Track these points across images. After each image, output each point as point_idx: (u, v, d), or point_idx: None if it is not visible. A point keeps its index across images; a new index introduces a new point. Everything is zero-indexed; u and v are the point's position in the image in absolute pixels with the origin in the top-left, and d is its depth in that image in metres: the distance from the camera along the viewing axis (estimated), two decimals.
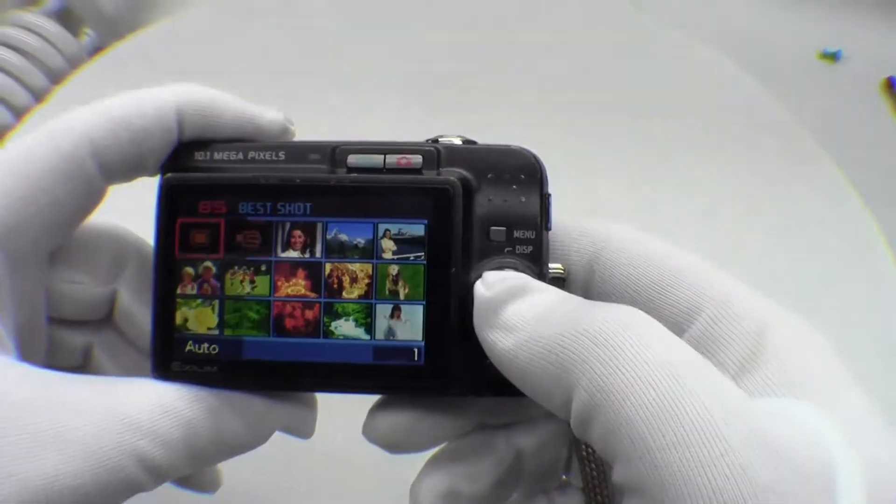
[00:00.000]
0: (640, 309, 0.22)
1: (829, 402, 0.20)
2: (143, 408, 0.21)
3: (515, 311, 0.21)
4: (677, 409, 0.18)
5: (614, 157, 0.49)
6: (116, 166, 0.23)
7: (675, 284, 0.22)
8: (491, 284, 0.22)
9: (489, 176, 0.23)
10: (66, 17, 0.54)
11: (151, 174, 0.24)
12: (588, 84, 0.52)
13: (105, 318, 0.26)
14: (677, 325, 0.22)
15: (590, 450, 0.25)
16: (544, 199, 0.23)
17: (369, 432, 0.24)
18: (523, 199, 0.23)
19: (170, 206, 0.23)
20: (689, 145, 0.50)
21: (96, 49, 0.55)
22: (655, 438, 0.18)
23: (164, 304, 0.23)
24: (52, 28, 0.52)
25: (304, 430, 0.25)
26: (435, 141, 0.24)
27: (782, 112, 0.51)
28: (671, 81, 0.52)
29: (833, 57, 0.53)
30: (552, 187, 0.24)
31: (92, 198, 0.24)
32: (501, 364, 0.21)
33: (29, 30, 0.52)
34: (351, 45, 0.53)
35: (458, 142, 0.24)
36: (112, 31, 0.55)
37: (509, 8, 0.55)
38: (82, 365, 0.27)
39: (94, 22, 0.55)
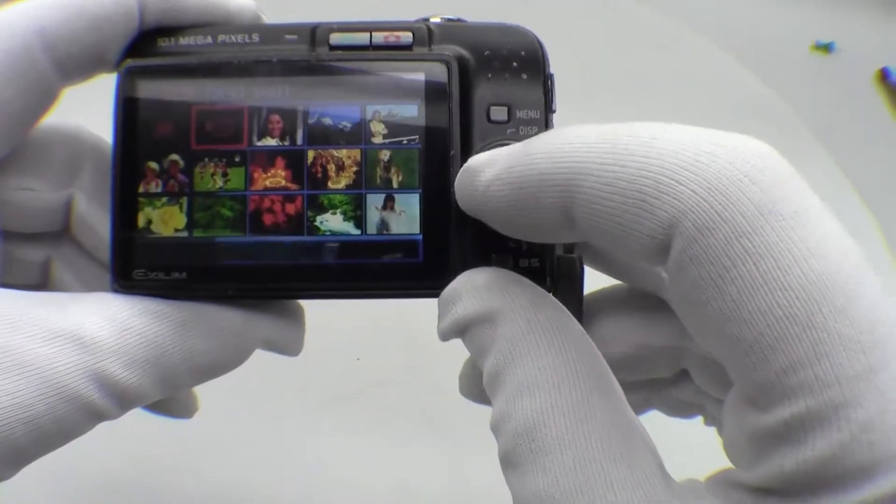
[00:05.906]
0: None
1: None
2: (102, 325, 0.19)
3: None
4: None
5: None
6: (73, 60, 0.21)
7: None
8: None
9: (486, 53, 0.21)
10: None
11: (111, 70, 0.22)
12: (581, 75, 0.51)
13: (63, 230, 0.24)
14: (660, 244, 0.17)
15: None
16: (547, 79, 0.22)
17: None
18: (525, 77, 0.21)
19: (129, 94, 0.21)
20: None
21: None
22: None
23: (125, 205, 0.21)
24: None
25: (290, 346, 0.22)
26: (425, 20, 0.22)
27: (776, 103, 0.50)
28: (663, 72, 0.51)
29: (826, 49, 0.53)
30: None
31: (45, 98, 0.21)
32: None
33: None
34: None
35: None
36: None
37: None
38: (42, 282, 0.24)
39: None
